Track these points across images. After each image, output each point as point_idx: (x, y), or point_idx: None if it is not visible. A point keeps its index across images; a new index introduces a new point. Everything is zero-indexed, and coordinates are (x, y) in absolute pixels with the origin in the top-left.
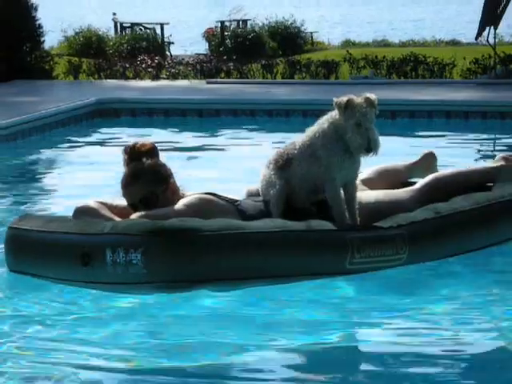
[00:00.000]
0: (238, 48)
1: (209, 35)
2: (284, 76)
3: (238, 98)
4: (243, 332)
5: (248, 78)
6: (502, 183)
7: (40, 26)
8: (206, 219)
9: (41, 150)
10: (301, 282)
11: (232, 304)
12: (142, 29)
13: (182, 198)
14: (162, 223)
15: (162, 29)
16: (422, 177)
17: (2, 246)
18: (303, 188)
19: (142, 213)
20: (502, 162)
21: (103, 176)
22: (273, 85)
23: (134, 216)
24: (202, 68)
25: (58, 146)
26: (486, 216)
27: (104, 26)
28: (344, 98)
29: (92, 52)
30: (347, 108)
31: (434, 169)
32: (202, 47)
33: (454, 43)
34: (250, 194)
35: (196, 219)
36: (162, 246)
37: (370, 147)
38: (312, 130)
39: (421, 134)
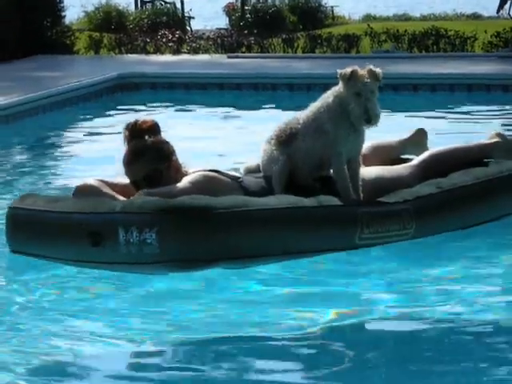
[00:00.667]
0: (259, 22)
1: (229, 10)
2: (305, 50)
3: (259, 72)
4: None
5: (269, 53)
6: (498, 159)
7: (61, 1)
8: (210, 196)
9: (62, 125)
10: (311, 257)
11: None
12: (163, 3)
13: (185, 175)
14: (175, 201)
15: (182, 3)
16: (413, 153)
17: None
18: (307, 163)
19: (146, 190)
20: (497, 139)
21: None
22: (294, 59)
23: (138, 194)
24: (223, 42)
25: (79, 120)
26: (486, 191)
27: (124, 1)
28: (348, 69)
29: (112, 27)
30: (350, 79)
31: (424, 145)
32: (222, 22)
33: (476, 17)
34: (249, 171)
35: (207, 197)
36: (177, 224)
37: (370, 117)
38: (316, 105)
39: (442, 107)
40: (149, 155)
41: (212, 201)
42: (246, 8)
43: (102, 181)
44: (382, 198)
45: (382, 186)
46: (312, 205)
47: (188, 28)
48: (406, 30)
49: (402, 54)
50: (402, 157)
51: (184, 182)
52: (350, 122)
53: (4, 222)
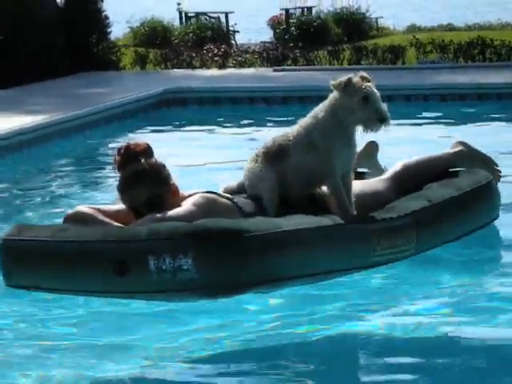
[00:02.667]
0: (303, 35)
1: (274, 23)
2: (350, 62)
3: (305, 85)
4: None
5: (314, 65)
6: (464, 168)
7: (106, 18)
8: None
9: (109, 141)
10: (332, 279)
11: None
12: (207, 18)
13: (183, 198)
14: (205, 225)
15: (226, 17)
16: (365, 166)
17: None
18: (298, 180)
19: (154, 216)
20: (461, 147)
21: (170, 165)
22: (340, 71)
23: (143, 220)
24: (269, 56)
25: (127, 136)
26: (471, 201)
27: (168, 16)
28: (342, 78)
29: (157, 42)
30: (349, 86)
31: (374, 158)
32: (267, 35)
33: None
34: (229, 191)
35: (237, 219)
36: (215, 248)
37: (384, 117)
38: (307, 121)
39: (489, 116)
40: (149, 179)
41: (244, 223)
42: (291, 21)
43: (94, 208)
44: (375, 213)
45: (364, 201)
46: (332, 224)
47: (233, 42)
48: (451, 40)
49: (448, 64)
50: (358, 170)
51: (188, 206)
52: (344, 135)
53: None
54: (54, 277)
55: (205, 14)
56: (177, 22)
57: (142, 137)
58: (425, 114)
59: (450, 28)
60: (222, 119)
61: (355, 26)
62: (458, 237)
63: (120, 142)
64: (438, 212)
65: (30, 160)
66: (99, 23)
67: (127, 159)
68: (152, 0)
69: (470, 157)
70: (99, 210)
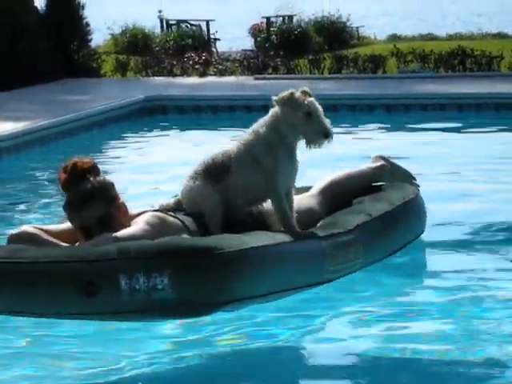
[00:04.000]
0: (284, 44)
1: (255, 31)
2: (331, 71)
3: None
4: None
5: (295, 74)
6: (390, 182)
7: (87, 25)
8: (164, 237)
9: (89, 148)
10: (292, 295)
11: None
12: (188, 26)
13: (131, 217)
14: (177, 243)
15: (207, 25)
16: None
17: None
18: (240, 198)
19: (111, 235)
20: (382, 162)
21: (152, 173)
22: (320, 80)
23: (98, 239)
24: (249, 64)
25: (107, 143)
26: (405, 214)
27: (149, 23)
28: (284, 93)
29: (138, 50)
30: (291, 101)
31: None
32: (248, 44)
33: (501, 36)
34: (166, 209)
35: (204, 237)
36: (192, 267)
37: (328, 133)
38: (247, 138)
39: (469, 126)
40: (99, 198)
41: (215, 240)
42: (272, 29)
43: (38, 227)
44: (320, 229)
45: (299, 217)
46: (290, 240)
47: (214, 50)
48: (431, 50)
49: (429, 73)
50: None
51: (141, 225)
52: (287, 151)
53: None
54: (17, 299)
55: (186, 21)
56: (158, 30)
57: (122, 144)
58: (406, 124)
59: (431, 38)
60: (202, 127)
61: (336, 35)
62: (394, 251)
63: (99, 149)
64: (380, 226)
65: (8, 168)
66: (80, 30)
67: (74, 177)
68: (133, 8)
69: (391, 171)
70: (43, 230)
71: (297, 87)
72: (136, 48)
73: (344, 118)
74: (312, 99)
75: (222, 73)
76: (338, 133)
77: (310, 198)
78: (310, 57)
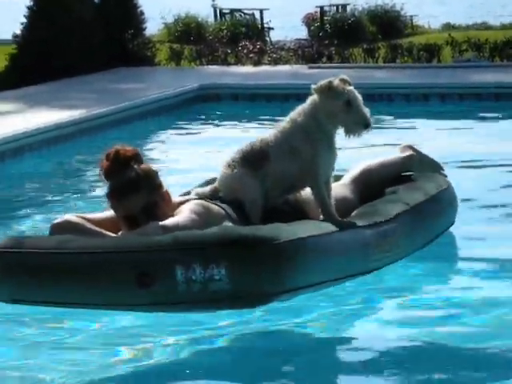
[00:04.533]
0: (338, 33)
1: (309, 20)
2: (386, 60)
3: None
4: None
5: (350, 63)
6: (419, 172)
7: (142, 13)
8: (210, 226)
9: (143, 136)
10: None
11: None
12: (242, 14)
13: (174, 205)
14: (236, 233)
15: (261, 14)
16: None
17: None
18: (279, 186)
19: (159, 224)
20: (411, 151)
21: (205, 161)
22: (375, 69)
23: (144, 228)
24: (304, 53)
25: (161, 131)
26: (440, 204)
27: (203, 12)
28: (324, 82)
29: (192, 38)
30: (330, 89)
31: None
32: (301, 33)
33: None
34: (203, 197)
35: (261, 226)
36: (250, 257)
37: (368, 122)
38: (285, 126)
39: None
40: (144, 186)
41: (271, 230)
42: (326, 18)
43: (81, 216)
44: (360, 218)
45: (336, 206)
46: (335, 229)
47: (267, 39)
48: (487, 39)
49: (483, 62)
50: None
51: (188, 214)
52: (326, 139)
53: None
54: (69, 291)
55: (239, 10)
56: (211, 19)
57: (177, 132)
58: (460, 113)
59: (486, 27)
60: (256, 116)
61: (390, 24)
62: (431, 240)
63: (153, 138)
64: (418, 215)
65: (65, 155)
66: (135, 19)
67: (118, 165)
68: None
69: (419, 161)
70: (85, 219)
71: (350, 76)
72: (189, 37)
73: (397, 107)
74: (351, 88)
75: (276, 62)
76: (391, 121)
77: (344, 186)
78: (365, 46)
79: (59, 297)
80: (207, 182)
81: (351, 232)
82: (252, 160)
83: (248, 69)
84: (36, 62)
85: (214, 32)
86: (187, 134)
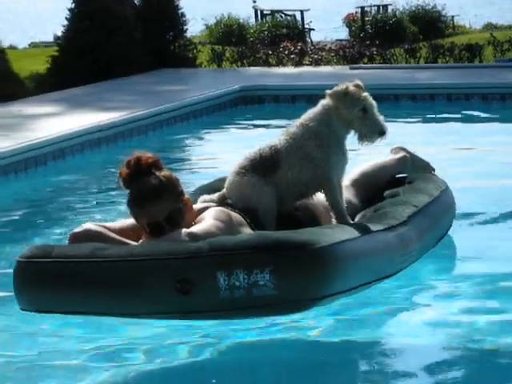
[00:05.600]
0: (379, 33)
1: (349, 21)
2: (427, 60)
3: (383, 83)
4: None
5: (391, 63)
6: (413, 173)
7: (183, 15)
8: (232, 233)
9: (185, 138)
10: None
11: None
12: (283, 16)
13: (195, 213)
14: (277, 238)
15: (302, 15)
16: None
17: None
18: (291, 192)
19: (186, 231)
20: (403, 153)
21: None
22: (417, 69)
23: (176, 235)
24: (345, 54)
25: (203, 133)
26: (444, 205)
27: (243, 13)
28: (339, 87)
29: (233, 40)
30: (347, 96)
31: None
32: (341, 34)
33: None
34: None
35: (301, 230)
36: (295, 262)
37: (383, 130)
38: (296, 132)
39: None
40: (169, 193)
41: (309, 235)
42: (366, 19)
43: (101, 225)
44: (373, 221)
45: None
46: (378, 229)
47: (308, 40)
48: None
49: None
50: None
51: (213, 221)
52: (339, 145)
53: (19, 278)
54: (105, 300)
55: (280, 11)
56: (252, 20)
57: (218, 134)
58: (502, 113)
59: None
60: (298, 117)
61: (431, 24)
62: (439, 241)
63: (196, 140)
64: (427, 216)
65: (106, 157)
66: (176, 20)
67: (139, 172)
68: None
69: (412, 162)
70: (106, 227)
71: (393, 77)
72: (230, 38)
73: (439, 107)
74: (366, 94)
75: (317, 62)
76: (432, 121)
77: (345, 189)
78: (406, 46)
79: (94, 306)
80: (211, 186)
81: (379, 235)
82: (263, 167)
83: (289, 70)
84: (77, 64)
85: (255, 33)
86: (229, 135)
